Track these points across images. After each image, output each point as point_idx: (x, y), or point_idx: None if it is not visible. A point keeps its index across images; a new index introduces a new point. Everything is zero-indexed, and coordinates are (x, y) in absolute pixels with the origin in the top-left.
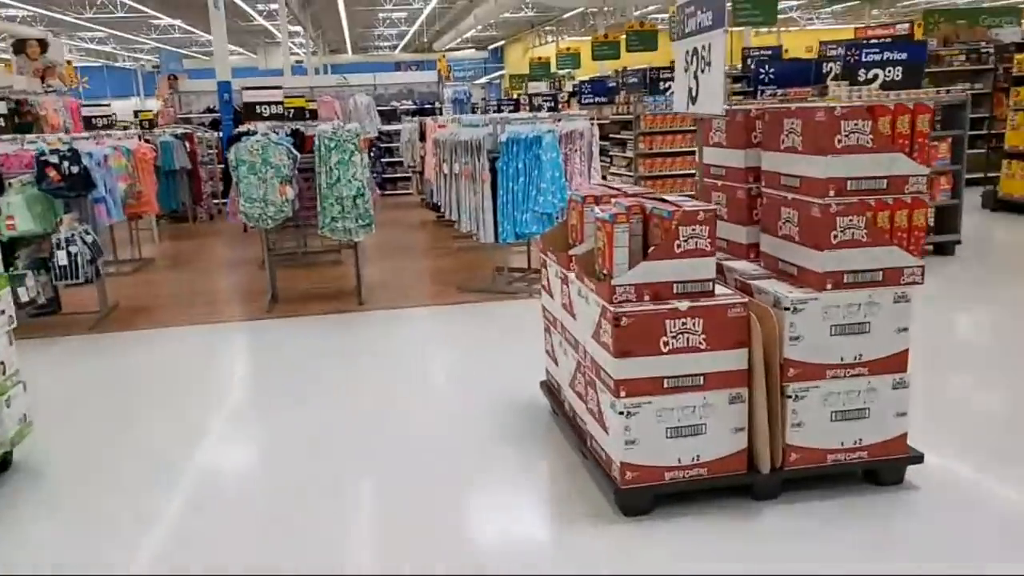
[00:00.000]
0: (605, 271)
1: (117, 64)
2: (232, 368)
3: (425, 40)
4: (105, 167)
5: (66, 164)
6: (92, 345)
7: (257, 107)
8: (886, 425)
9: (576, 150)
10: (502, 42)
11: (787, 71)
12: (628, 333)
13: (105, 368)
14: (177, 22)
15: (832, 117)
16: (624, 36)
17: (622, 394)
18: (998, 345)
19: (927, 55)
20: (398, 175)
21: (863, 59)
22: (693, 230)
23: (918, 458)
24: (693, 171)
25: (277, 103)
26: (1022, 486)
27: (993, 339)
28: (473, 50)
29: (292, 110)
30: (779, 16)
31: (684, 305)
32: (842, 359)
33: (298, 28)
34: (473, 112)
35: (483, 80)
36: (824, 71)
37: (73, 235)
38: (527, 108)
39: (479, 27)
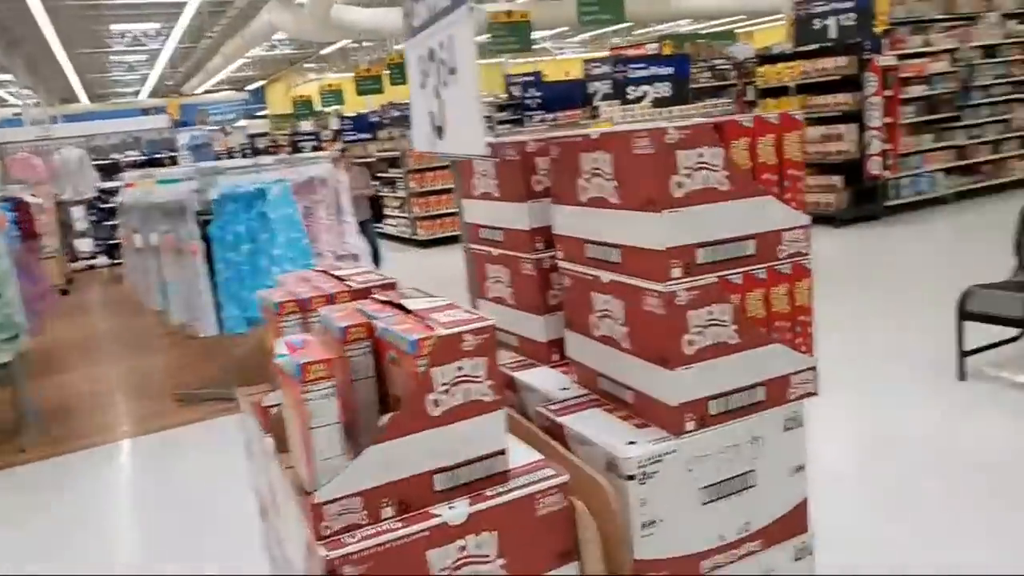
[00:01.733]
0: (304, 471)
1: None
2: None
3: (171, 84)
4: None
5: None
6: None
7: None
8: None
9: (319, 201)
10: (262, 82)
11: (554, 93)
12: None
13: None
14: None
15: (663, 145)
16: (386, 70)
17: None
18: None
19: None
20: None
21: (630, 76)
22: (459, 369)
23: None
24: None
25: None
26: None
27: None
28: (232, 92)
29: None
30: (532, 46)
31: (459, 514)
32: (722, 537)
33: (8, 76)
34: (230, 158)
35: (245, 123)
36: (591, 91)
37: None
38: (248, 153)
39: (231, 67)
